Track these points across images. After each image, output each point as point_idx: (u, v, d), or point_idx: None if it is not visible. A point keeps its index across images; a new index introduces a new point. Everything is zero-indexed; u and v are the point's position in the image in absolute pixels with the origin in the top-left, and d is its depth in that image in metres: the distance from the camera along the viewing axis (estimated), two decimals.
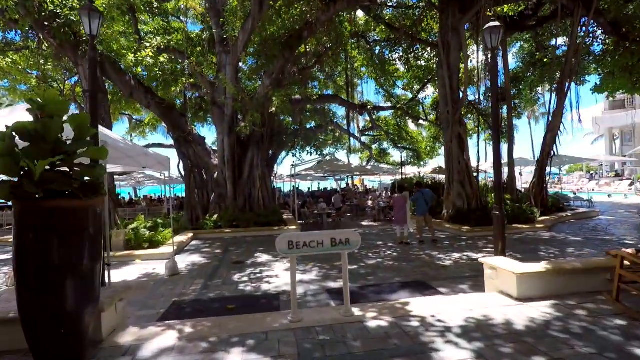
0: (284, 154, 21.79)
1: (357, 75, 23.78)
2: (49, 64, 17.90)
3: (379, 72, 20.61)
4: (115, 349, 3.63)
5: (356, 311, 4.38)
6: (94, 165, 3.76)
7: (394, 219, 10.59)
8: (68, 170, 3.49)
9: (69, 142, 3.42)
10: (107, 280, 5.44)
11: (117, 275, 8.00)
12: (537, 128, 49.31)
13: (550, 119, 13.21)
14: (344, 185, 36.13)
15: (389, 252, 9.44)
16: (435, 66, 18.66)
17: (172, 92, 17.61)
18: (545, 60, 15.78)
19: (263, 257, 9.42)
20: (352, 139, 25.22)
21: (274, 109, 11.22)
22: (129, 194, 25.63)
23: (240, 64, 15.98)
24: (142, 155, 6.50)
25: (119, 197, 21.68)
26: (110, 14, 15.49)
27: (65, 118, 3.35)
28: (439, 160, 27.07)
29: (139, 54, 14.33)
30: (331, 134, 26.98)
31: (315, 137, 20.07)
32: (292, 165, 16.17)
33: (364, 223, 16.61)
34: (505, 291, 4.57)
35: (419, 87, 20.58)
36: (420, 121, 27.20)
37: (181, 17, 20.09)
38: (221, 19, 14.85)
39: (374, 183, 40.28)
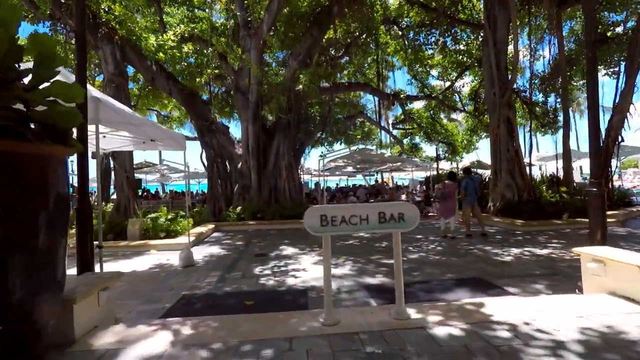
0: (310, 148, 20.81)
1: (387, 66, 22.53)
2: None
3: (412, 60, 19.24)
4: (85, 354, 2.66)
5: (412, 313, 3.24)
6: (65, 109, 2.81)
7: (441, 210, 9.31)
8: (25, 109, 2.55)
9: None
10: (99, 269, 4.52)
11: (127, 265, 7.21)
12: (581, 123, 45.98)
13: (617, 99, 11.49)
14: (372, 182, 34.85)
15: (433, 246, 8.19)
16: (475, 51, 17.15)
17: (197, 84, 17.06)
18: (609, 34, 13.92)
19: (288, 250, 8.41)
20: (382, 132, 23.90)
21: (301, 86, 10.17)
22: (157, 189, 25.40)
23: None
24: (149, 127, 5.63)
25: (143, 188, 21.42)
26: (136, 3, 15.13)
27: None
28: (477, 154, 25.28)
29: (160, 37, 13.73)
30: (359, 129, 25.79)
31: (345, 128, 18.84)
32: (321, 155, 15.11)
33: None
34: (621, 292, 3.28)
35: (456, 74, 19.02)
36: (455, 114, 25.60)
37: (206, 10, 19.54)
38: (245, 1, 14.02)
39: (404, 180, 38.67)
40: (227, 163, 15.03)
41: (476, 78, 19.40)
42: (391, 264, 6.72)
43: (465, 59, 17.28)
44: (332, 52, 17.39)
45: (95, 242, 4.36)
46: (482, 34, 13.92)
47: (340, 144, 24.25)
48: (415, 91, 22.59)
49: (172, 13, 19.06)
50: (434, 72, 21.63)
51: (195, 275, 6.25)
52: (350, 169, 27.15)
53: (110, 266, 7.19)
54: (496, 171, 11.77)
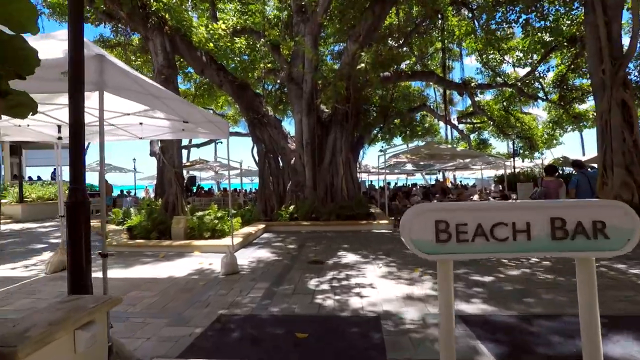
0: (368, 144, 19.19)
1: (453, 56, 20.32)
2: (139, 59, 18.02)
3: (484, 44, 16.98)
4: None
5: None
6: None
7: None
8: None
9: None
10: (103, 284, 3.48)
11: (165, 269, 6.30)
12: None
13: None
14: (432, 181, 32.41)
15: (536, 260, 6.37)
16: (566, 27, 14.54)
17: (250, 78, 16.40)
18: None
19: (349, 257, 7.05)
20: (447, 127, 21.71)
21: (363, 64, 8.75)
22: (211, 187, 25.41)
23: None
24: (179, 103, 4.56)
25: (198, 185, 21.35)
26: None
27: None
28: (560, 151, 22.01)
29: (210, 26, 13.10)
30: (420, 125, 23.71)
31: (410, 120, 16.86)
32: (381, 151, 13.58)
33: None
34: None
35: (539, 57, 16.42)
36: (531, 106, 22.62)
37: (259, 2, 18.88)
38: None
39: (468, 180, 35.60)
40: (279, 159, 14.05)
41: (564, 61, 16.64)
42: (488, 282, 5.12)
43: (552, 38, 14.73)
44: (391, 42, 15.76)
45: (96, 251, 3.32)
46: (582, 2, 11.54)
47: (401, 139, 22.43)
48: (485, 81, 20.17)
49: (224, 9, 18.70)
50: (509, 58, 19.06)
51: (238, 287, 5.12)
52: (409, 166, 25.21)
53: (148, 269, 6.34)
54: (605, 167, 9.46)
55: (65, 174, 21.17)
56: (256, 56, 18.15)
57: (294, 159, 13.55)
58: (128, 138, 6.46)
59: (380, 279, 5.43)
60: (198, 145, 21.10)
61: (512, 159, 20.77)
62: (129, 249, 7.89)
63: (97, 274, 3.34)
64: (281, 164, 14.03)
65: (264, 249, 8.14)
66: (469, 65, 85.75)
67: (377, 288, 4.94)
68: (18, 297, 5.06)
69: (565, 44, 14.93)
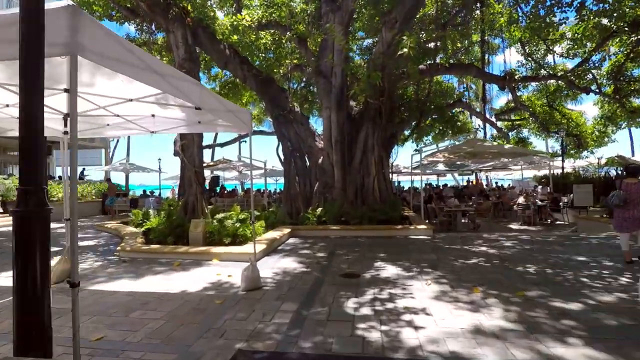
0: (402, 142, 17.92)
1: (491, 49, 18.84)
2: (164, 58, 17.67)
3: (530, 33, 15.47)
4: None
5: None
6: None
7: (620, 221, 6.14)
8: None
9: None
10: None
11: (179, 281, 5.51)
12: None
13: None
14: (462, 183, 30.69)
15: (626, 279, 5.15)
16: (629, 9, 12.89)
17: (275, 75, 15.65)
18: None
19: (387, 269, 6.05)
20: (482, 124, 20.19)
21: (405, 49, 7.65)
22: (235, 187, 24.88)
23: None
24: (190, 85, 3.70)
25: (222, 186, 20.79)
26: None
27: None
28: (613, 149, 20.02)
29: (234, 17, 12.40)
30: (453, 123, 22.17)
31: (452, 116, 15.33)
32: (416, 150, 12.45)
33: (513, 226, 12.03)
34: None
35: (593, 44, 14.75)
36: (577, 101, 20.75)
37: None
38: None
39: (502, 181, 33.63)
40: (306, 158, 13.18)
41: (622, 49, 14.93)
42: (576, 311, 3.99)
43: (612, 22, 13.11)
44: (424, 35, 14.54)
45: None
46: None
47: (431, 138, 20.99)
48: (527, 74, 18.56)
49: (250, 5, 18.06)
50: (557, 48, 17.44)
51: (260, 309, 4.23)
52: (441, 166, 23.79)
53: (160, 281, 5.56)
54: None
55: (95, 174, 20.80)
56: (282, 52, 17.43)
57: (321, 157, 12.63)
58: (139, 132, 5.73)
59: (434, 301, 4.41)
60: (222, 145, 20.60)
61: (560, 158, 18.96)
62: (142, 255, 7.19)
63: (101, 286, 2.49)
64: (308, 163, 13.14)
65: (290, 257, 7.24)
66: (507, 58, 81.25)
67: (432, 315, 3.93)
68: (8, 314, 4.35)
69: (626, 29, 13.28)
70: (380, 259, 6.88)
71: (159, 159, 21.57)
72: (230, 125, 5.36)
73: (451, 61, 16.91)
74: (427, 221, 11.64)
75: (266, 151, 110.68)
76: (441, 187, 22.11)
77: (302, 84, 21.65)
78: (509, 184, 30.49)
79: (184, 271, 6.14)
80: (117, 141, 30.54)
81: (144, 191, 19.53)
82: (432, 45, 12.02)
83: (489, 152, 10.53)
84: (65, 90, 3.97)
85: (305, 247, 8.33)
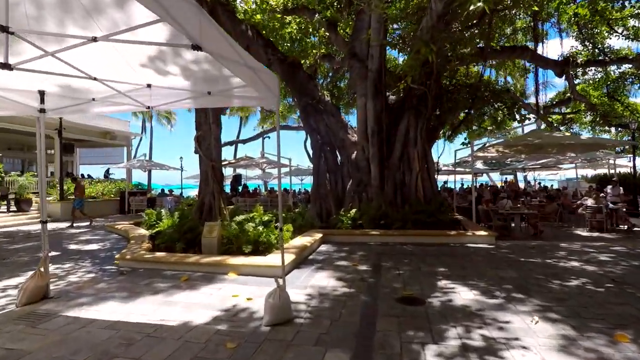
0: (446, 136, 15.88)
1: (540, 36, 16.72)
2: None
3: (592, 13, 13.43)
4: None
5: None
6: None
7: None
8: None
9: None
10: None
11: (182, 307, 4.12)
12: None
13: None
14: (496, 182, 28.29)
15: None
16: None
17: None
18: None
19: (460, 293, 4.46)
20: (538, 114, 17.99)
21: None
22: (257, 187, 23.67)
23: None
24: (188, 7, 2.24)
25: (244, 185, 19.55)
26: None
27: None
28: None
29: None
30: (489, 118, 20.01)
31: (513, 105, 13.26)
32: (465, 143, 10.73)
33: (582, 233, 10.04)
34: None
35: None
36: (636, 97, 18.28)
37: None
38: None
39: (544, 181, 30.96)
40: (337, 152, 11.69)
41: None
42: None
43: None
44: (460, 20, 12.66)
45: None
46: None
47: (466, 135, 18.94)
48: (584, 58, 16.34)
49: None
50: (620, 30, 15.19)
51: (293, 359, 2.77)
52: (479, 165, 21.73)
53: (157, 304, 4.18)
54: None
55: (119, 172, 19.74)
56: (308, 44, 16.07)
57: (355, 152, 11.10)
58: (132, 107, 4.40)
59: (562, 356, 2.81)
60: (244, 141, 19.43)
61: (632, 155, 16.52)
62: (145, 265, 5.88)
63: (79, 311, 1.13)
64: (339, 158, 11.65)
65: (325, 271, 5.75)
66: (557, 44, 75.85)
67: None
68: None
69: None
70: (443, 276, 5.29)
71: (181, 158, 20.62)
72: (250, 95, 3.93)
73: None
74: (480, 224, 9.88)
75: (291, 148, 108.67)
76: (483, 186, 20.08)
77: (329, 79, 20.24)
78: (563, 186, 27.82)
79: (191, 289, 4.76)
80: (140, 139, 30.10)
81: (162, 190, 18.57)
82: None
83: (562, 143, 8.70)
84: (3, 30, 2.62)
85: (342, 257, 6.81)
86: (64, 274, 5.74)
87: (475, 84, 11.50)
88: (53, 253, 7.59)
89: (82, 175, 23.31)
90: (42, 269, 4.44)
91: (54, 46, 2.97)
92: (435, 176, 11.88)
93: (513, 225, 10.30)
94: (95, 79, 3.60)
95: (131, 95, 4.19)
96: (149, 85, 4.07)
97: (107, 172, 23.46)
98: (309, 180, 25.66)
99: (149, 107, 4.23)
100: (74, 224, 12.35)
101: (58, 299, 4.46)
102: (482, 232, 8.07)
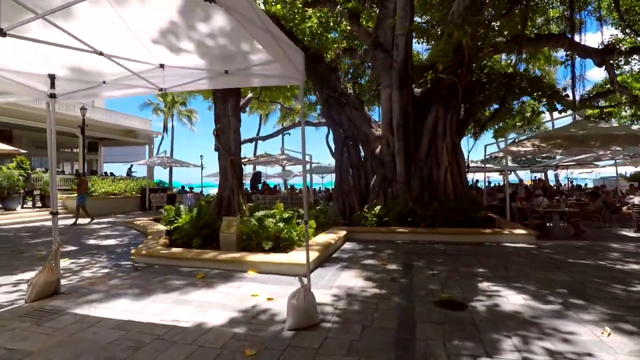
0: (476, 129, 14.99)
1: (577, 25, 15.69)
2: None
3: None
4: None
5: None
6: None
7: None
8: None
9: None
10: None
11: (197, 306, 3.77)
12: None
13: None
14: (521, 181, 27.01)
15: None
16: None
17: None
18: None
19: (507, 296, 3.93)
20: (575, 106, 16.95)
21: None
22: (277, 185, 23.40)
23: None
24: None
25: (264, 182, 19.28)
26: None
27: None
28: None
29: None
30: (517, 114, 18.96)
31: (554, 94, 12.26)
32: (496, 137, 10.02)
33: (628, 233, 9.17)
34: None
35: None
36: None
37: None
38: None
39: (579, 180, 29.41)
40: (360, 147, 11.20)
41: None
42: None
43: None
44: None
45: None
46: None
47: (492, 132, 17.94)
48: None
49: None
50: None
51: None
52: (508, 162, 20.72)
53: (171, 303, 3.83)
54: None
55: (142, 171, 19.44)
56: (328, 39, 15.67)
57: (379, 147, 10.60)
58: (144, 90, 4.08)
59: None
60: (264, 138, 19.16)
61: None
62: (160, 261, 5.59)
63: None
64: (363, 153, 11.16)
65: (351, 270, 5.30)
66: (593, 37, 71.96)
67: None
68: None
69: None
70: (484, 277, 4.75)
71: (201, 156, 20.61)
72: (271, 74, 3.53)
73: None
74: (513, 221, 9.18)
75: (311, 145, 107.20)
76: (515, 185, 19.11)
77: (349, 75, 19.75)
78: (602, 184, 26.35)
79: (207, 288, 4.40)
80: (162, 138, 30.41)
81: (182, 187, 18.52)
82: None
83: (610, 134, 7.92)
84: None
85: (369, 255, 6.34)
86: (78, 268, 5.51)
87: (510, 73, 10.73)
88: (71, 248, 7.45)
89: (106, 173, 23.65)
90: (52, 263, 4.18)
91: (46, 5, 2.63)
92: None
93: (549, 224, 9.57)
94: (101, 53, 3.27)
95: (143, 76, 3.86)
96: (161, 66, 3.74)
97: (129, 170, 23.71)
98: (329, 178, 25.23)
99: (162, 89, 3.89)
100: (77, 221, 11.82)
101: (69, 295, 4.19)
102: (521, 231, 7.42)
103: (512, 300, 3.84)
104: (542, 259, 5.84)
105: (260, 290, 4.24)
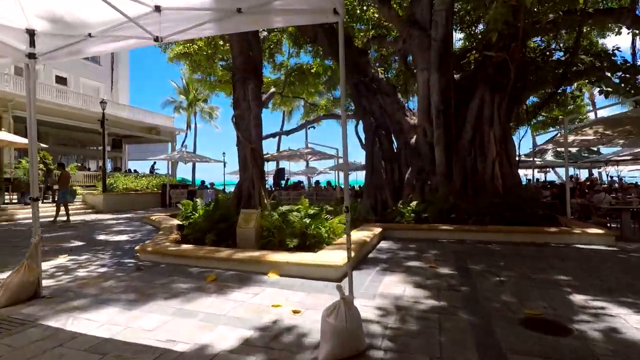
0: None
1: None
2: (227, 45, 15.99)
3: None
4: None
5: None
6: None
7: None
8: None
9: None
10: None
11: (203, 318, 2.85)
12: None
13: None
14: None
15: None
16: None
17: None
18: None
19: (623, 316, 2.85)
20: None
21: None
22: (300, 181, 22.53)
23: None
24: None
25: (287, 179, 18.46)
26: None
27: None
28: None
29: None
30: (561, 109, 17.15)
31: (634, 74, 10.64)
32: (555, 124, 8.75)
33: None
34: None
35: None
36: None
37: None
38: None
39: (628, 178, 27.06)
40: (393, 137, 10.16)
41: None
42: None
43: None
44: None
45: None
46: None
47: (529, 128, 16.11)
48: None
49: None
50: None
51: None
52: (550, 157, 19.04)
53: (171, 313, 2.95)
54: None
55: (165, 168, 18.83)
56: (354, 29, 14.72)
57: (414, 136, 9.52)
58: (138, 42, 3.24)
59: None
60: (287, 132, 18.35)
61: None
62: (167, 259, 4.77)
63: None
64: (396, 144, 10.12)
65: (395, 274, 4.30)
66: None
67: None
68: None
69: None
70: (571, 287, 3.66)
71: (223, 153, 20.07)
72: (297, 8, 2.60)
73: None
74: (574, 219, 7.88)
75: (336, 138, 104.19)
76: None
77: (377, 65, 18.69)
78: None
79: (218, 294, 3.52)
80: (185, 135, 30.21)
81: (202, 182, 17.97)
82: None
83: None
84: None
85: (411, 256, 5.32)
86: (75, 266, 4.77)
87: (571, 48, 9.29)
88: (77, 243, 6.79)
89: (129, 170, 23.49)
90: (28, 262, 3.40)
91: None
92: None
93: (614, 225, 8.23)
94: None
95: (135, 23, 3.01)
96: (157, 8, 2.88)
97: (152, 167, 23.48)
98: (354, 176, 24.12)
99: (157, 39, 3.04)
100: (57, 219, 10.42)
101: (49, 300, 3.41)
102: (597, 231, 6.17)
103: (633, 322, 2.76)
104: (635, 266, 4.66)
105: (283, 299, 3.32)
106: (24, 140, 13.41)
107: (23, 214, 11.36)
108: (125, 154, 25.97)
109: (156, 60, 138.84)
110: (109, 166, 23.56)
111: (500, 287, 3.73)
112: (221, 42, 15.95)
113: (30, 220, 3.56)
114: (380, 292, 3.56)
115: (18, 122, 15.75)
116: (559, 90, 10.17)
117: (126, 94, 27.59)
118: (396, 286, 3.78)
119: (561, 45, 9.87)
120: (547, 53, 9.84)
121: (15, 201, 13.62)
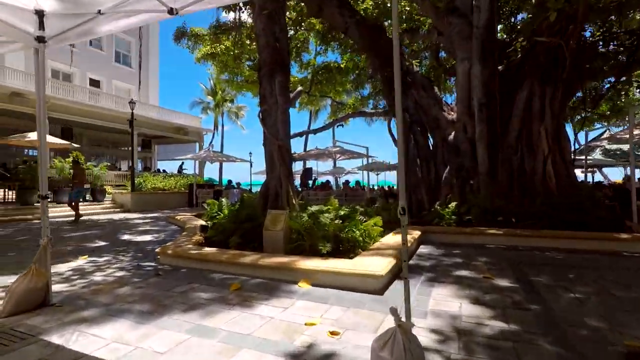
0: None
1: None
2: (254, 44, 15.78)
3: None
4: None
5: None
6: None
7: None
8: None
9: None
10: None
11: (222, 340, 2.33)
12: None
13: None
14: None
15: None
16: None
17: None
18: None
19: None
20: None
21: None
22: (328, 181, 22.06)
23: None
24: None
25: (314, 179, 18.04)
26: None
27: None
28: None
29: None
30: (607, 102, 15.71)
31: None
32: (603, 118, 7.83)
33: None
34: None
35: None
36: None
37: None
38: None
39: None
40: (429, 134, 9.49)
41: None
42: None
43: None
44: None
45: None
46: None
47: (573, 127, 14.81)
48: None
49: None
50: None
51: None
52: (598, 155, 17.60)
53: (187, 331, 2.50)
54: None
55: (191, 165, 18.95)
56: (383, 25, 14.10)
57: (453, 132, 8.82)
58: (151, 17, 2.84)
59: None
60: (315, 131, 17.91)
61: None
62: (188, 263, 4.39)
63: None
64: (432, 141, 9.44)
65: (444, 285, 3.70)
66: None
67: None
68: None
69: None
70: None
71: (250, 153, 19.90)
72: None
73: None
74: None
75: (365, 137, 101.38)
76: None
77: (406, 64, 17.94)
78: None
79: (242, 307, 3.06)
80: (213, 136, 30.36)
81: (229, 181, 17.81)
82: None
83: None
84: None
85: (458, 264, 4.69)
86: (92, 269, 4.46)
87: (638, 30, 8.25)
88: (101, 243, 6.58)
89: (159, 170, 23.77)
90: (36, 265, 3.07)
91: None
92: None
93: None
94: None
95: None
96: None
97: (180, 168, 23.66)
98: (383, 177, 23.40)
99: (171, 11, 2.62)
100: (79, 219, 10.04)
101: (58, 309, 3.06)
102: None
103: None
104: None
105: (317, 316, 2.82)
106: (58, 141, 13.64)
107: (55, 212, 11.46)
108: (155, 154, 26.38)
109: (186, 62, 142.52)
110: (139, 166, 23.96)
111: (579, 306, 3.08)
112: (248, 42, 15.78)
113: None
114: (432, 310, 2.99)
115: (52, 123, 16.11)
116: (622, 80, 9.15)
117: (156, 95, 28.05)
118: (449, 301, 3.19)
119: (623, 29, 8.86)
120: (609, 36, 8.83)
121: (50, 199, 13.87)
